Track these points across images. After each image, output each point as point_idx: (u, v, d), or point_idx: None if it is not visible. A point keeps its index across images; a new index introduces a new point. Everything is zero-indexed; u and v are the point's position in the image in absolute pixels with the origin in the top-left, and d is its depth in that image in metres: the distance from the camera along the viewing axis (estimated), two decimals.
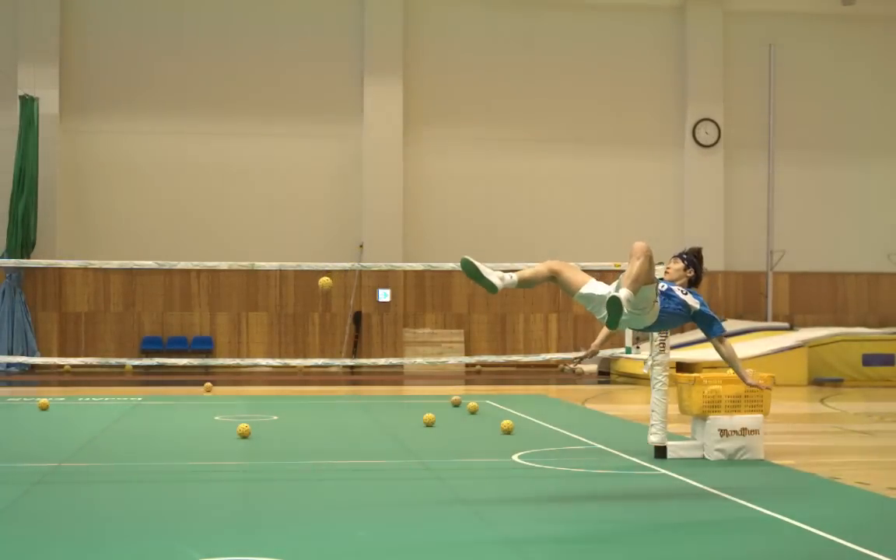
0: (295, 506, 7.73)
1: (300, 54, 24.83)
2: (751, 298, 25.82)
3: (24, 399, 16.58)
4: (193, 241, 23.84)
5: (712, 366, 16.86)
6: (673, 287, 8.22)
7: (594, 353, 8.79)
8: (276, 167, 24.74)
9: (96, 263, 11.99)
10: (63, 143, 24.00)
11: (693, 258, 8.47)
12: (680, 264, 8.45)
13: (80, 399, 16.51)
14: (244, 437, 11.29)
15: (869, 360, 21.40)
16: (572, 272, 7.54)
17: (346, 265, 12.03)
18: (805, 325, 24.45)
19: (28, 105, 22.95)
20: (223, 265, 11.81)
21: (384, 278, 24.51)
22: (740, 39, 26.00)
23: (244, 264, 11.89)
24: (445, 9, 25.29)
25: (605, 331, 8.67)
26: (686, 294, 8.22)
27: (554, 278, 7.54)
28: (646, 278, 7.37)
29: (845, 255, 26.15)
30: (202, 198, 24.48)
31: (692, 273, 8.43)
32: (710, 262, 25.50)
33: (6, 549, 6.29)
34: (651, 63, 25.86)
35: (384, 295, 24.60)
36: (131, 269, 23.29)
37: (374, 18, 24.77)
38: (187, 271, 23.75)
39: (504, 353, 24.28)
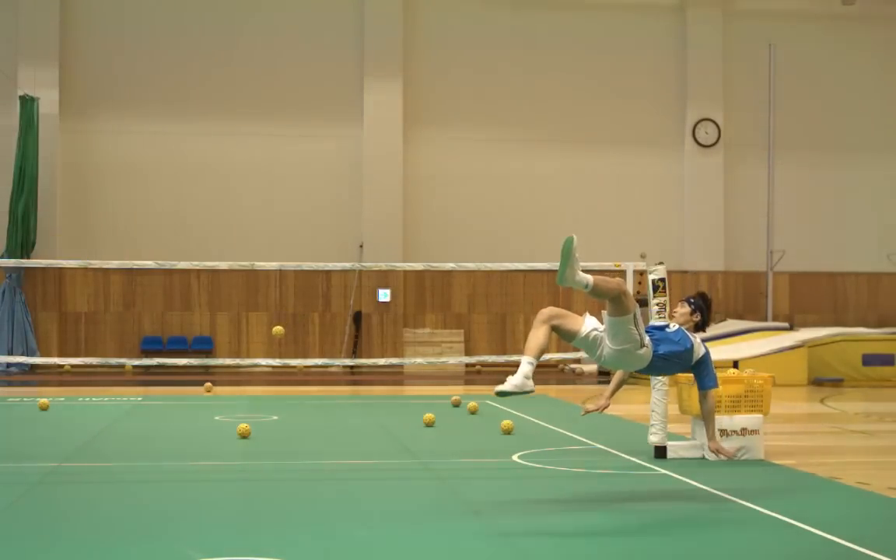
0: (295, 506, 7.73)
1: (300, 54, 24.83)
2: (751, 298, 25.82)
3: (24, 399, 16.58)
4: (193, 241, 23.84)
5: None
6: (684, 330, 8.13)
7: (605, 406, 8.53)
8: (276, 167, 24.74)
9: (96, 263, 11.99)
10: (63, 143, 24.00)
11: (700, 302, 8.34)
12: (686, 308, 8.31)
13: (80, 399, 16.50)
14: (244, 437, 11.29)
15: (869, 360, 21.39)
16: (568, 320, 7.51)
17: (346, 265, 12.02)
18: (805, 325, 24.44)
19: (28, 105, 22.95)
20: (223, 265, 11.81)
21: (384, 278, 24.51)
22: (740, 39, 26.01)
23: (244, 264, 11.89)
24: (445, 9, 25.29)
25: (615, 380, 8.52)
26: (695, 339, 8.10)
27: (554, 330, 7.51)
28: (617, 297, 7.31)
29: (845, 255, 26.16)
30: (202, 198, 24.49)
31: (699, 318, 8.28)
32: (710, 262, 25.68)
33: (6, 549, 6.28)
34: (651, 63, 25.87)
35: (384, 295, 24.60)
36: (131, 269, 23.30)
37: (374, 19, 24.77)
38: (187, 271, 23.75)
39: (504, 353, 24.27)
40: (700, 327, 8.31)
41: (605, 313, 7.51)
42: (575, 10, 25.61)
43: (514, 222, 25.14)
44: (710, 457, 9.83)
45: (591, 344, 7.56)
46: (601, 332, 7.52)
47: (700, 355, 8.11)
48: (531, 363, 7.30)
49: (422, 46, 25.21)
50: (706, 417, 8.07)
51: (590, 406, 8.52)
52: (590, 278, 7.32)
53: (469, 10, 25.36)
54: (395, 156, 24.72)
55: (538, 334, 7.40)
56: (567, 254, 7.15)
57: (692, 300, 8.38)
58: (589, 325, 7.55)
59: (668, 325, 8.18)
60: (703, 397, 8.11)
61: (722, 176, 25.82)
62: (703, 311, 8.32)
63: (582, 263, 7.49)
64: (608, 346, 7.50)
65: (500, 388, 7.21)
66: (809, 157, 26.18)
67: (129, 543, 6.47)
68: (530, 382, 7.26)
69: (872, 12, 26.14)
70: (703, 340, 8.44)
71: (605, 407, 8.48)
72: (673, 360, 7.95)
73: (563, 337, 7.55)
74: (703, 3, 25.79)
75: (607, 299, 7.41)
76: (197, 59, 24.63)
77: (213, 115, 24.58)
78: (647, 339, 7.62)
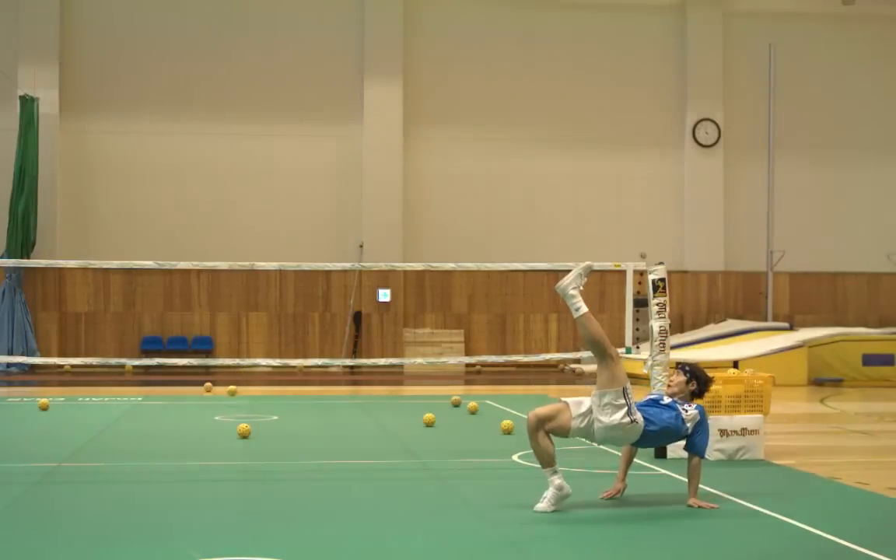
0: (295, 506, 7.73)
1: (300, 54, 24.83)
2: (751, 298, 25.81)
3: (24, 399, 16.58)
4: (193, 241, 23.82)
5: (712, 366, 16.83)
6: (677, 403, 7.97)
7: (622, 489, 8.24)
8: (276, 167, 24.73)
9: (96, 263, 12.01)
10: (63, 143, 23.99)
11: (696, 370, 8.18)
12: (682, 377, 8.13)
13: (80, 399, 16.51)
14: (244, 437, 11.29)
15: (869, 360, 21.39)
16: (557, 420, 7.49)
17: (347, 265, 12.04)
18: (805, 325, 24.43)
19: (28, 105, 22.95)
20: (223, 265, 11.82)
21: (384, 278, 24.50)
22: (740, 39, 25.99)
23: (244, 264, 11.91)
24: (445, 9, 25.28)
25: (624, 458, 8.35)
26: (687, 411, 7.93)
27: (549, 432, 7.50)
28: (604, 357, 7.41)
29: (845, 255, 26.14)
30: (202, 197, 24.48)
31: (694, 386, 8.09)
32: (710, 262, 25.64)
33: (6, 549, 6.29)
34: (651, 63, 25.86)
35: (384, 295, 24.59)
36: (131, 269, 23.29)
37: (374, 18, 24.77)
38: (187, 271, 23.74)
39: (504, 353, 24.28)
40: (697, 395, 8.14)
41: (593, 390, 7.53)
42: (575, 10, 25.60)
43: (514, 222, 25.13)
44: (713, 456, 9.83)
45: (586, 430, 7.58)
46: (591, 415, 7.51)
47: (694, 423, 7.92)
48: (554, 471, 7.46)
49: (422, 46, 25.20)
50: (689, 474, 7.88)
51: (609, 492, 8.31)
52: (584, 307, 7.52)
53: (469, 10, 25.34)
54: (395, 155, 24.71)
55: (538, 441, 7.49)
56: (575, 268, 7.62)
57: (687, 368, 8.18)
58: (577, 411, 7.53)
59: (662, 397, 8.06)
60: (692, 457, 7.94)
61: (722, 176, 25.80)
62: (700, 380, 8.11)
63: (583, 263, 7.54)
64: (599, 424, 7.50)
65: (538, 509, 7.39)
66: (809, 157, 26.16)
67: (130, 543, 6.47)
68: (565, 487, 7.45)
69: (872, 12, 26.13)
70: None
71: (623, 489, 8.22)
72: (664, 436, 7.96)
73: (557, 434, 7.56)
74: (703, 2, 25.78)
75: (592, 349, 7.50)
76: (197, 59, 24.62)
77: (213, 115, 24.57)
78: (638, 415, 7.60)
